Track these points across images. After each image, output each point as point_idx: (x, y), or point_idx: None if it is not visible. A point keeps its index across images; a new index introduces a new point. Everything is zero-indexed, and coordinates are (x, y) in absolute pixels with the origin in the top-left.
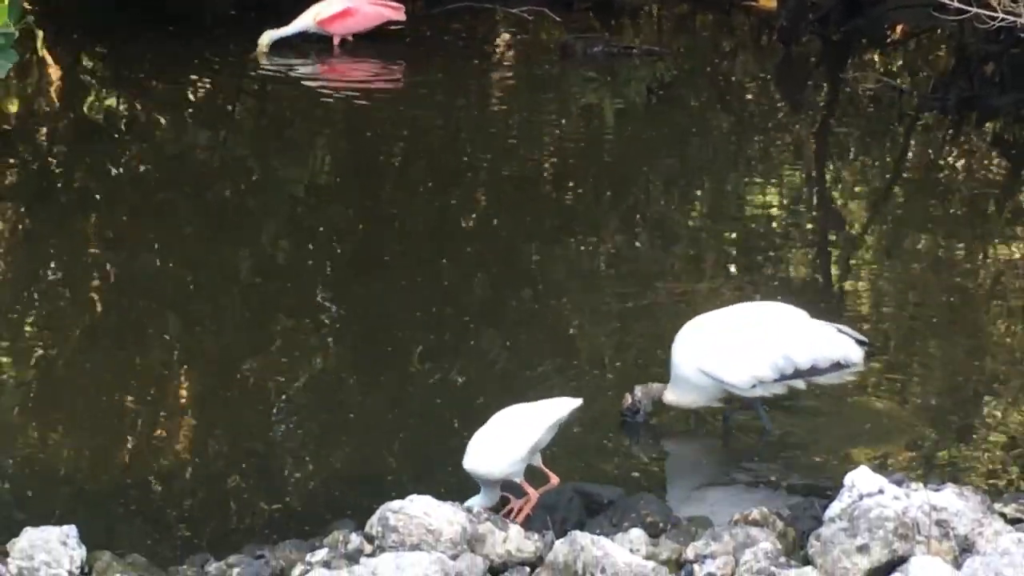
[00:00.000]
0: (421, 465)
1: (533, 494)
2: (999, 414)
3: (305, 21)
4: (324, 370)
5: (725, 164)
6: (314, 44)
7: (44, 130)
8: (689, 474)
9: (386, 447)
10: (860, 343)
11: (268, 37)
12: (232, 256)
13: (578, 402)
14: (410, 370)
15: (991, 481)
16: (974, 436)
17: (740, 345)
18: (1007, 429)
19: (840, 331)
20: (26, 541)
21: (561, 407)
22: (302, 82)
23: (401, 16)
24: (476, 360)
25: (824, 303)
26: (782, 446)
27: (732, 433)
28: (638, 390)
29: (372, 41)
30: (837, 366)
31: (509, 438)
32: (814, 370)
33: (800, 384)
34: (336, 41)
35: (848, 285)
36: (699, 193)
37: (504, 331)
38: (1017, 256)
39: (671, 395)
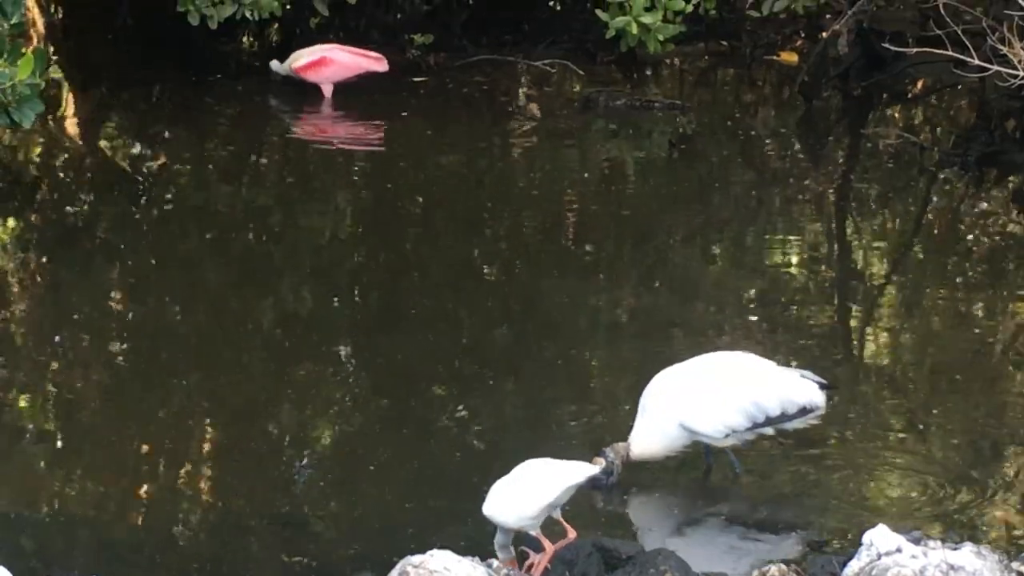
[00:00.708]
0: (441, 518)
1: (549, 548)
2: (1018, 472)
3: (284, 68)
4: (345, 421)
5: (745, 218)
6: (336, 95)
7: (68, 178)
8: (706, 528)
9: (406, 499)
10: (822, 386)
11: (274, 65)
12: (254, 306)
13: (596, 470)
14: (431, 422)
15: (1010, 539)
16: (993, 493)
17: (712, 396)
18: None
19: (803, 376)
20: None
21: (579, 472)
22: (322, 132)
23: (382, 67)
24: (497, 412)
25: (843, 357)
26: (800, 500)
27: (737, 481)
28: (609, 452)
29: (392, 93)
30: (803, 411)
31: (527, 492)
32: (783, 416)
33: (769, 431)
34: (325, 91)
35: (868, 340)
36: (719, 247)
37: (525, 383)
38: None
39: (637, 449)
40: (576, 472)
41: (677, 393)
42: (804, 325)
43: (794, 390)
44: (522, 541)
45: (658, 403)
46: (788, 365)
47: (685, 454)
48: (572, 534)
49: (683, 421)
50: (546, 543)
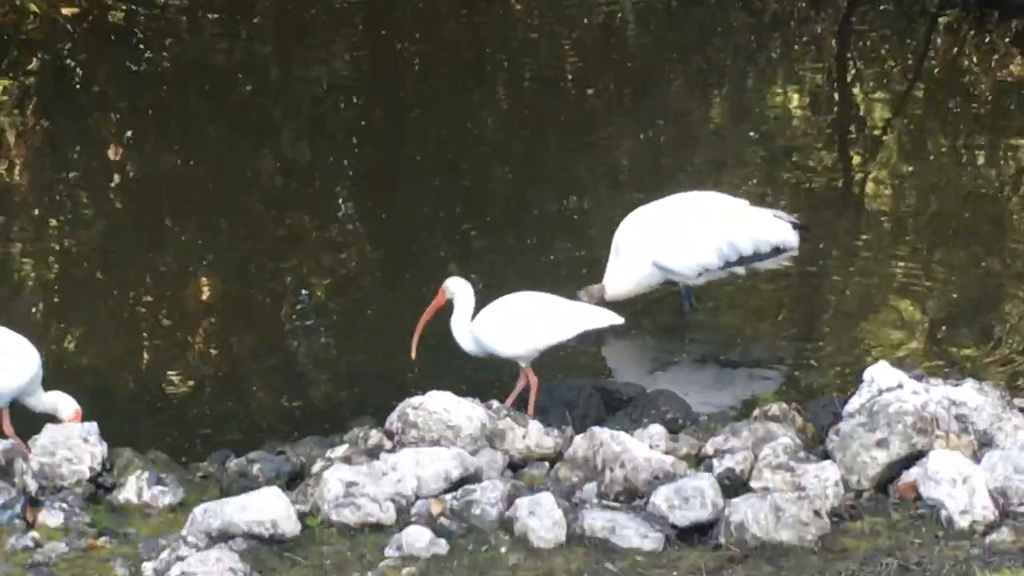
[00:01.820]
0: (441, 363)
1: (534, 383)
2: (1018, 313)
3: None
4: (345, 270)
5: (746, 64)
6: None
7: (64, 33)
8: (708, 370)
9: (405, 345)
10: (795, 226)
11: None
12: (253, 158)
13: (620, 320)
14: (431, 269)
15: (1010, 378)
16: (994, 335)
17: (687, 235)
18: None
19: (777, 216)
20: (47, 438)
21: (600, 319)
22: None
23: None
24: (497, 259)
25: (845, 204)
26: (801, 342)
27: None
28: (582, 295)
29: None
30: (776, 251)
31: (537, 325)
32: (756, 256)
33: (740, 270)
34: None
35: (869, 186)
36: (720, 93)
37: (526, 230)
38: None
39: (611, 289)
40: (599, 319)
41: (650, 232)
42: (806, 171)
43: (767, 230)
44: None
45: (631, 242)
46: (790, 212)
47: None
48: (534, 380)
49: (657, 259)
50: (532, 377)
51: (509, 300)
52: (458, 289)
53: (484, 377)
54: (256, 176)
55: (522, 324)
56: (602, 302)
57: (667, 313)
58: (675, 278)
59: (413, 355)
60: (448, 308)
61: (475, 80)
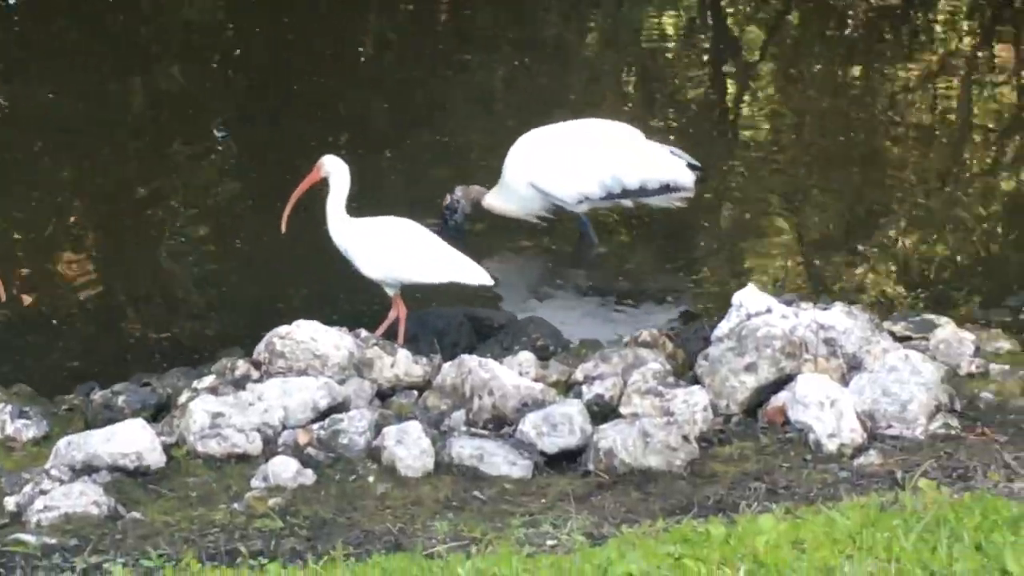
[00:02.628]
0: (311, 293)
1: (402, 311)
2: (890, 238)
3: None
4: (216, 200)
5: None
6: None
7: None
8: (580, 297)
9: (276, 275)
10: (692, 167)
11: None
12: (126, 87)
13: (490, 282)
14: (304, 201)
15: (880, 301)
16: (866, 260)
17: (571, 162)
18: (898, 252)
19: (673, 153)
20: None
21: (471, 276)
22: None
23: None
24: (375, 190)
25: (720, 130)
26: (676, 269)
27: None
28: (458, 190)
29: None
30: (667, 189)
31: (404, 259)
32: (643, 191)
33: (628, 203)
34: None
35: (744, 111)
36: (595, 19)
37: (402, 157)
38: (913, 82)
39: (494, 200)
40: (471, 276)
41: (534, 155)
42: (680, 99)
43: (658, 166)
44: None
45: (514, 162)
46: (665, 141)
47: (553, 226)
48: (403, 310)
49: (534, 181)
50: (401, 308)
51: (386, 223)
52: (333, 168)
53: (354, 307)
54: (128, 107)
55: (390, 252)
56: (477, 206)
57: (541, 243)
58: (555, 203)
59: (283, 229)
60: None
61: (350, 7)
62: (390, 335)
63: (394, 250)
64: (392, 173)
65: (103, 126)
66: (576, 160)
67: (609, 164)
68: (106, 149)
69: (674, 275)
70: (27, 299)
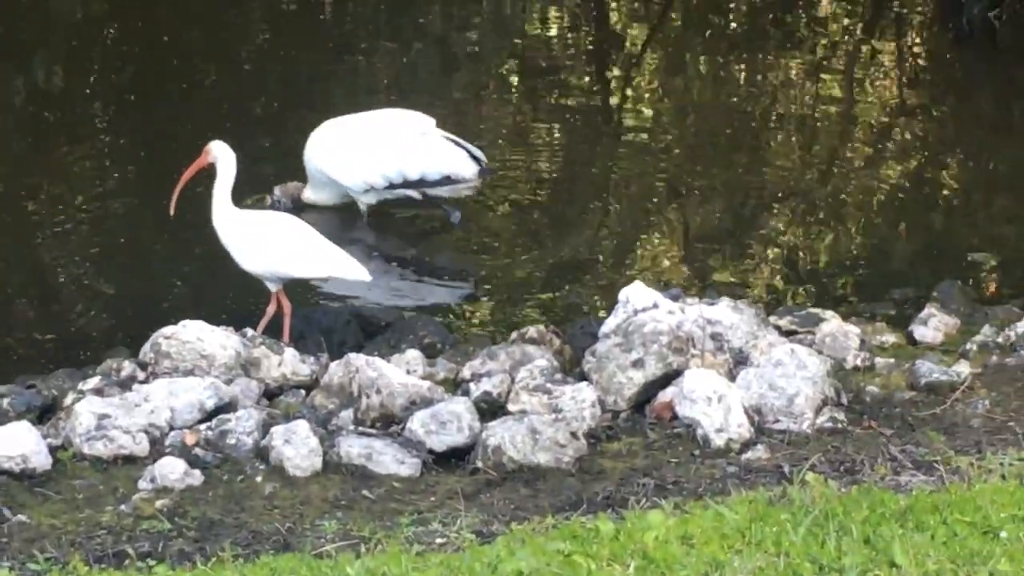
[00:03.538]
0: (197, 292)
1: (286, 306)
2: (775, 232)
3: None
4: (99, 197)
5: None
6: None
7: None
8: (468, 295)
9: (161, 274)
10: (476, 159)
11: None
12: (5, 86)
13: (367, 278)
14: (187, 195)
15: (766, 296)
16: (750, 253)
17: (357, 151)
18: (783, 245)
19: (458, 145)
20: None
21: (348, 271)
22: None
23: None
24: (255, 181)
25: (604, 125)
26: (561, 265)
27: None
28: (277, 190)
29: None
30: (448, 180)
31: (282, 252)
32: (424, 182)
33: (414, 194)
34: None
35: (627, 107)
36: (479, 14)
37: (283, 154)
38: (795, 76)
39: (308, 192)
40: (347, 271)
41: (323, 144)
42: (564, 92)
43: (437, 158)
44: None
45: (309, 151)
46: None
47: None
48: (287, 305)
49: (323, 169)
50: (285, 304)
51: (267, 216)
52: (221, 154)
53: (242, 305)
54: (8, 102)
55: (268, 245)
56: (297, 200)
57: (426, 239)
58: (346, 191)
59: (172, 212)
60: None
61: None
62: (275, 333)
63: (273, 244)
64: (271, 167)
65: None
66: (360, 150)
67: (391, 155)
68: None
69: (558, 270)
70: None
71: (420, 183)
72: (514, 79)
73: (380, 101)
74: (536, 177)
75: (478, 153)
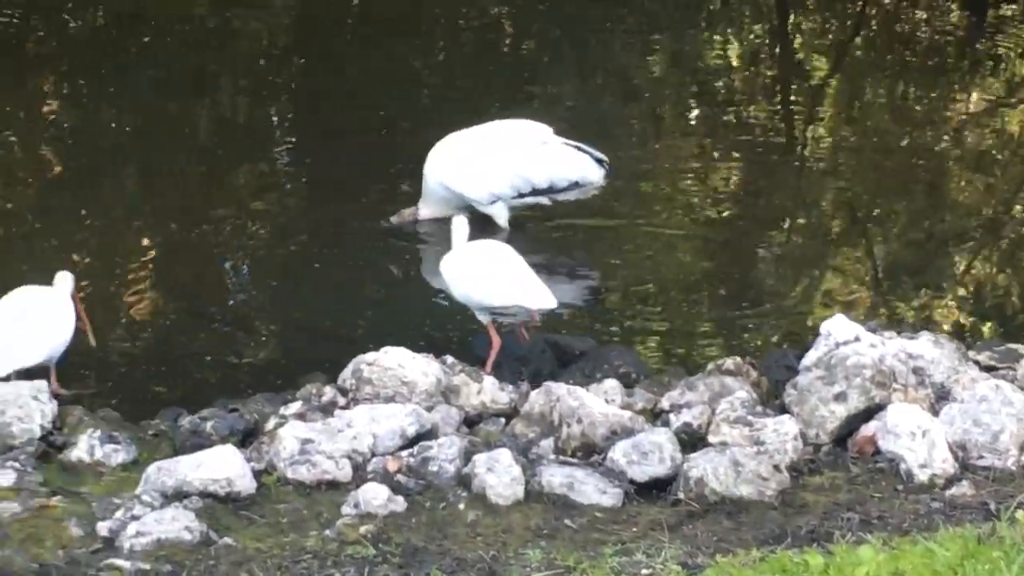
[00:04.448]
0: (391, 318)
1: (495, 340)
2: (964, 266)
3: None
4: (290, 224)
5: (684, 17)
6: None
7: None
8: (659, 325)
9: (356, 301)
10: (599, 161)
11: None
12: (191, 112)
13: (552, 305)
14: (381, 226)
15: (962, 331)
16: (942, 288)
17: (482, 163)
18: (973, 280)
19: (580, 150)
20: None
21: (534, 301)
22: None
23: None
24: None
25: (786, 156)
26: (747, 296)
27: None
28: (393, 219)
29: None
30: (576, 185)
31: (477, 281)
32: (552, 189)
33: (544, 200)
34: None
35: (809, 138)
36: (659, 47)
37: None
38: (980, 108)
39: (424, 210)
40: (533, 300)
41: (446, 158)
42: (745, 123)
43: (566, 164)
44: None
45: (429, 166)
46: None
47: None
48: (496, 340)
49: (447, 183)
50: (495, 337)
51: (477, 245)
52: (457, 224)
53: (438, 333)
54: (194, 130)
55: (466, 274)
56: (415, 220)
57: (606, 267)
58: (470, 203)
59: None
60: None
61: (412, 32)
62: (477, 362)
63: (469, 272)
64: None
65: (168, 148)
66: (486, 162)
67: (517, 165)
68: (173, 171)
69: (746, 301)
70: (106, 323)
71: (548, 190)
72: (694, 110)
73: (563, 132)
74: (718, 208)
75: (600, 155)
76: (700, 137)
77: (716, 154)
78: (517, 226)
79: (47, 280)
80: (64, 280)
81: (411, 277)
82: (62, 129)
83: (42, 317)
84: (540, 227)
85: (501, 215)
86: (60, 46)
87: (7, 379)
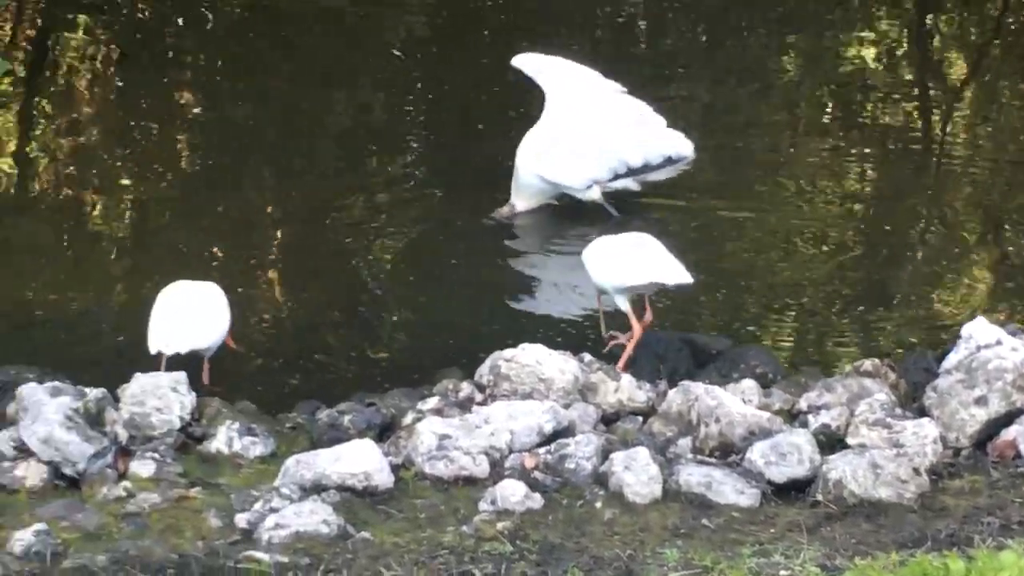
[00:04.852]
0: (533, 316)
1: (637, 329)
2: None
3: None
4: (427, 218)
5: (820, 16)
6: None
7: None
8: (794, 324)
9: (492, 295)
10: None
11: None
12: (327, 107)
13: (688, 281)
14: (516, 221)
15: None
16: None
17: (575, 149)
18: None
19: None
20: (137, 387)
21: (671, 276)
22: None
23: None
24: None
25: (922, 158)
26: (886, 297)
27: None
28: (495, 215)
29: None
30: (669, 161)
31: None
32: (647, 167)
33: (633, 185)
34: None
35: (947, 138)
36: (795, 46)
37: None
38: None
39: (520, 203)
40: (670, 276)
41: (538, 148)
42: (881, 122)
43: (659, 140)
44: None
45: (523, 158)
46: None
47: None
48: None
49: (543, 174)
50: (636, 326)
51: (620, 235)
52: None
53: (574, 330)
54: (329, 125)
55: (609, 256)
56: (513, 216)
57: (739, 263)
58: (566, 191)
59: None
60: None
61: (552, 33)
62: (613, 360)
63: (606, 253)
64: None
65: (303, 143)
66: (581, 147)
67: (611, 146)
68: (308, 166)
69: (879, 302)
70: (242, 315)
71: (644, 168)
72: (829, 109)
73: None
74: (853, 207)
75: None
76: (835, 136)
77: (851, 153)
78: (646, 215)
79: (187, 275)
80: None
81: (547, 272)
82: (198, 123)
83: (207, 304)
84: (675, 217)
85: (598, 199)
86: (197, 39)
87: (172, 357)
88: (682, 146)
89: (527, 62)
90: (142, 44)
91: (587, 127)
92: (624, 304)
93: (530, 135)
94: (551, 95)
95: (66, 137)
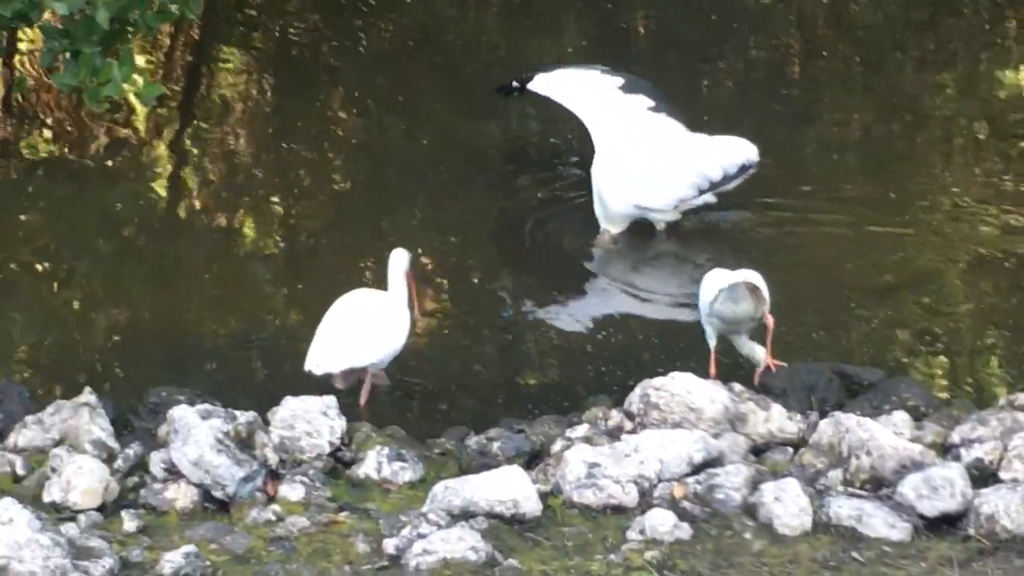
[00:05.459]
0: (680, 347)
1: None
2: None
3: None
4: (571, 247)
5: (977, 44)
6: None
7: (291, 5)
8: (945, 355)
9: (638, 326)
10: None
11: None
12: (480, 133)
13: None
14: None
15: None
16: None
17: (657, 172)
18: None
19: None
20: (287, 411)
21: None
22: None
23: None
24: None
25: None
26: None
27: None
28: (597, 248)
29: None
30: (743, 169)
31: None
32: (726, 179)
33: (711, 198)
34: None
35: None
36: (951, 74)
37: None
38: None
39: (614, 229)
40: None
41: (621, 175)
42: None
43: (731, 151)
44: None
45: (610, 189)
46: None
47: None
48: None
49: (636, 203)
50: (769, 320)
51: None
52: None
53: (726, 358)
54: (484, 152)
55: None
56: (612, 241)
57: (891, 293)
58: (656, 215)
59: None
60: None
61: (708, 59)
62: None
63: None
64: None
65: (457, 168)
66: (663, 170)
67: (692, 164)
68: (461, 189)
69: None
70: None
71: (723, 181)
72: (985, 138)
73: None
74: (1008, 238)
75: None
76: (991, 165)
77: (1007, 183)
78: (801, 238)
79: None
80: (399, 258)
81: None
82: (350, 145)
83: (378, 319)
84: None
85: (678, 218)
86: (351, 63)
87: (337, 377)
88: (751, 151)
89: (545, 85)
90: (293, 66)
91: (661, 149)
92: (712, 340)
93: (604, 164)
94: (591, 119)
95: (219, 161)
